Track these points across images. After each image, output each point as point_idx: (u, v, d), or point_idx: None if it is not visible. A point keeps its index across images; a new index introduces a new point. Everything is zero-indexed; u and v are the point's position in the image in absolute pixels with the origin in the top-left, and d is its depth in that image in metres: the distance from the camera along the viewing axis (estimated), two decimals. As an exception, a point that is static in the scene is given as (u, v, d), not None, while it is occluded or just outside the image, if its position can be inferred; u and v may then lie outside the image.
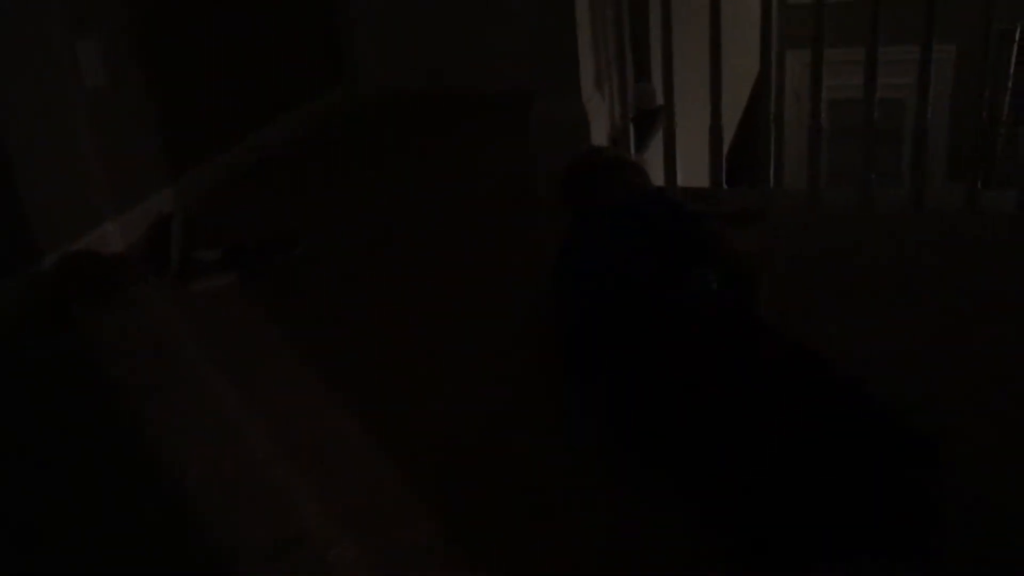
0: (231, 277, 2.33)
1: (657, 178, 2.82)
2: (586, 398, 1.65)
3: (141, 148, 2.69)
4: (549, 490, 1.52)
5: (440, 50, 3.50)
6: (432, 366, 1.91)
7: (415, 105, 3.57)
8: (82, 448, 1.77)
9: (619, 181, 2.08)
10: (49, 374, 2.03)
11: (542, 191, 2.49)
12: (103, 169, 2.51)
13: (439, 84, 3.55)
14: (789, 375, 1.39)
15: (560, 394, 1.73)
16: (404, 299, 2.20)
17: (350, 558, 1.41)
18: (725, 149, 4.45)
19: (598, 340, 1.63)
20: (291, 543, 1.45)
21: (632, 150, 2.72)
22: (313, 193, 2.93)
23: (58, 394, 1.96)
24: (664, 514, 1.41)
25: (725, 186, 4.93)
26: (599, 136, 2.64)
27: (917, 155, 2.47)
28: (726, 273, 1.78)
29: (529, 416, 1.71)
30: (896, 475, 1.27)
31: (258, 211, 2.82)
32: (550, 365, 1.80)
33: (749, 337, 1.51)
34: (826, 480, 1.25)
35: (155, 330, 2.18)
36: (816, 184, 2.56)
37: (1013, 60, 5.81)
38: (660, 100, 2.86)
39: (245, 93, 3.13)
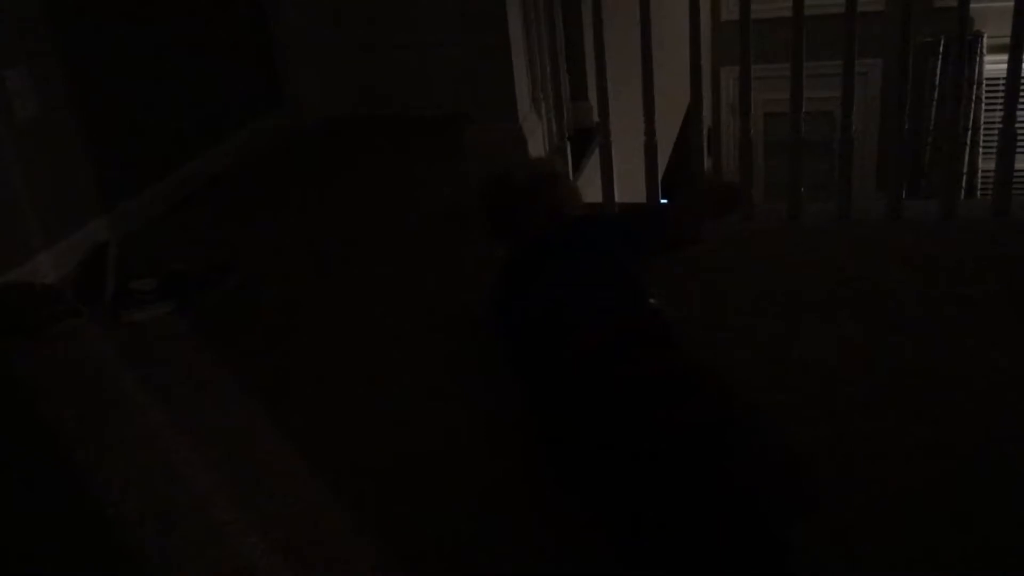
0: (168, 307, 2.30)
1: (595, 195, 2.86)
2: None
3: (74, 177, 2.64)
4: (501, 510, 1.52)
5: (379, 74, 3.50)
6: (376, 389, 1.91)
7: (356, 129, 3.56)
8: (14, 483, 1.73)
9: (547, 206, 2.05)
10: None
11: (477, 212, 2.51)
12: (34, 199, 2.47)
13: (380, 108, 3.55)
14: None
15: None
16: (346, 324, 2.19)
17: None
18: (663, 164, 4.52)
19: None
20: None
21: (570, 167, 2.75)
22: (253, 219, 2.90)
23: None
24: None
25: (663, 202, 5.00)
26: (536, 154, 2.67)
27: (843, 167, 2.54)
28: None
29: (477, 436, 1.72)
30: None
31: (196, 239, 2.78)
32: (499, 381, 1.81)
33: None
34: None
35: (90, 362, 2.14)
36: (749, 198, 2.61)
37: (938, 71, 5.99)
38: (597, 117, 2.89)
39: (182, 120, 3.09)
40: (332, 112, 3.63)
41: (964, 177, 5.79)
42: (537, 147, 2.68)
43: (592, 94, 2.99)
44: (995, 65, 5.74)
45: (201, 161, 3.16)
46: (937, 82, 5.91)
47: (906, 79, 2.60)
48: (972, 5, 6.24)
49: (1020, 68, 2.32)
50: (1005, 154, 2.42)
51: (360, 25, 3.39)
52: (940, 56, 5.88)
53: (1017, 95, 2.36)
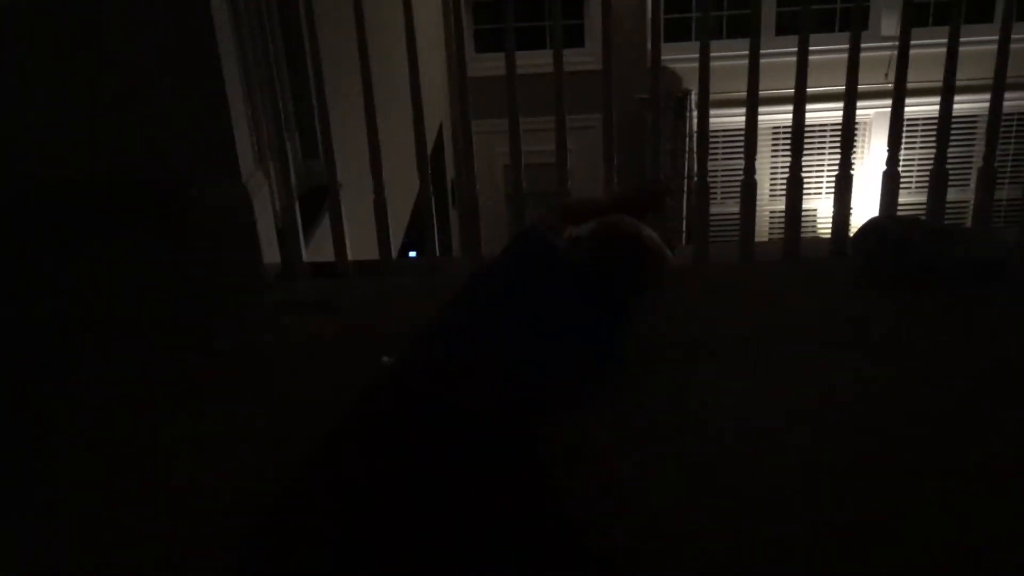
0: None
1: (327, 252, 2.82)
2: None
3: None
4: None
5: (97, 136, 3.24)
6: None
7: (72, 195, 3.26)
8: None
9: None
10: None
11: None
12: None
13: (91, 170, 3.28)
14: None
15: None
16: (87, 419, 1.98)
17: None
18: (407, 215, 4.56)
19: None
20: None
21: (299, 226, 2.70)
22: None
23: None
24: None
25: (413, 254, 5.03)
26: (264, 215, 2.60)
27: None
28: None
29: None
30: None
31: None
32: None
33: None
34: None
35: None
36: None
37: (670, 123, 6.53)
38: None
39: None
40: (43, 177, 3.31)
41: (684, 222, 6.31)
42: (264, 207, 2.62)
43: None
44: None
45: None
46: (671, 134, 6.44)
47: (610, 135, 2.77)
48: (681, 65, 6.83)
49: (707, 124, 2.56)
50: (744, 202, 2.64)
51: (73, 84, 3.14)
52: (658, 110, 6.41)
53: (707, 148, 2.60)
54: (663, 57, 2.67)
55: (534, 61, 4.14)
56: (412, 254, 5.06)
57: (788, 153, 2.66)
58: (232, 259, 2.56)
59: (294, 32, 2.97)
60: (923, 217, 2.73)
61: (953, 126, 2.62)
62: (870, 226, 2.51)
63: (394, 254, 2.87)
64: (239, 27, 2.52)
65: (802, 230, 2.71)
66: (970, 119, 6.27)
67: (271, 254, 2.67)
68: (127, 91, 2.49)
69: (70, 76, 2.54)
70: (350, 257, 2.75)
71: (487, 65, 5.39)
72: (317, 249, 2.92)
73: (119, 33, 2.42)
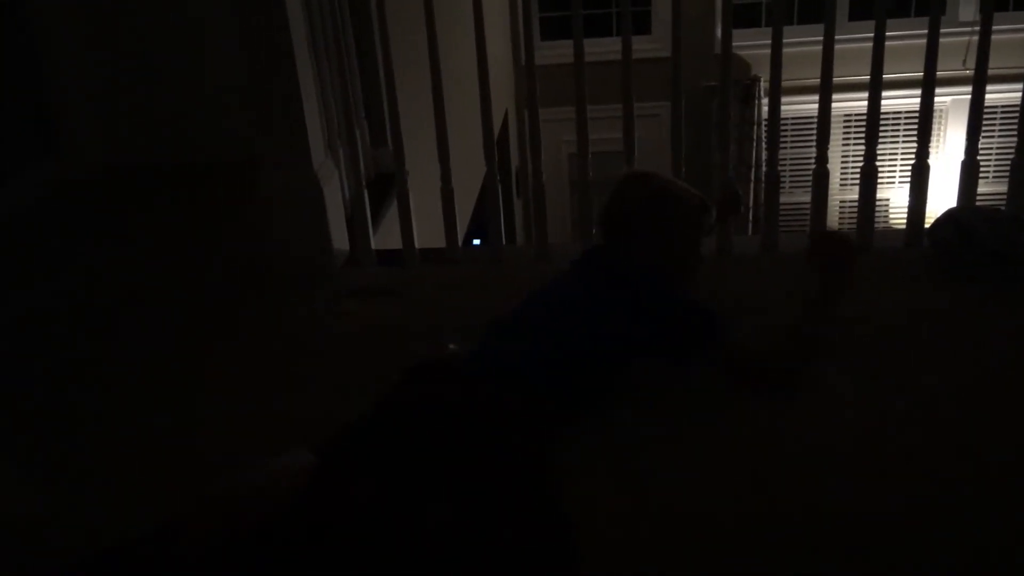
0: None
1: (393, 240, 2.85)
2: None
3: None
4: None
5: (165, 120, 3.33)
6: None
7: (139, 178, 3.33)
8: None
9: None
10: None
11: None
12: None
13: (166, 155, 3.36)
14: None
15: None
16: (132, 402, 2.01)
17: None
18: (472, 203, 4.58)
19: None
20: None
21: (368, 214, 2.73)
22: (21, 282, 2.64)
23: None
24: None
25: (477, 242, 5.06)
26: (334, 202, 2.64)
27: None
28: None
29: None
30: None
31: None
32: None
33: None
34: None
35: None
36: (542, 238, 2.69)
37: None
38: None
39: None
40: (113, 161, 3.40)
41: (751, 211, 6.22)
42: (334, 194, 2.66)
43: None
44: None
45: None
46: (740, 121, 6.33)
47: (680, 124, 2.74)
48: (749, 52, 6.73)
49: (779, 112, 2.52)
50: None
51: (143, 69, 3.23)
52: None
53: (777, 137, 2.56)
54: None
55: (600, 48, 4.11)
56: (476, 242, 5.08)
57: (860, 142, 2.61)
58: (301, 246, 2.61)
59: (363, 19, 3.00)
60: (1003, 207, 2.65)
61: (1035, 114, 2.54)
62: (945, 218, 2.44)
63: (459, 242, 2.88)
64: (310, 12, 2.56)
65: (875, 220, 2.65)
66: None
67: (340, 241, 2.70)
68: (201, 77, 2.54)
69: (141, 61, 2.60)
70: (416, 245, 2.77)
71: (553, 53, 5.37)
72: (384, 236, 2.95)
73: (192, 18, 2.46)
